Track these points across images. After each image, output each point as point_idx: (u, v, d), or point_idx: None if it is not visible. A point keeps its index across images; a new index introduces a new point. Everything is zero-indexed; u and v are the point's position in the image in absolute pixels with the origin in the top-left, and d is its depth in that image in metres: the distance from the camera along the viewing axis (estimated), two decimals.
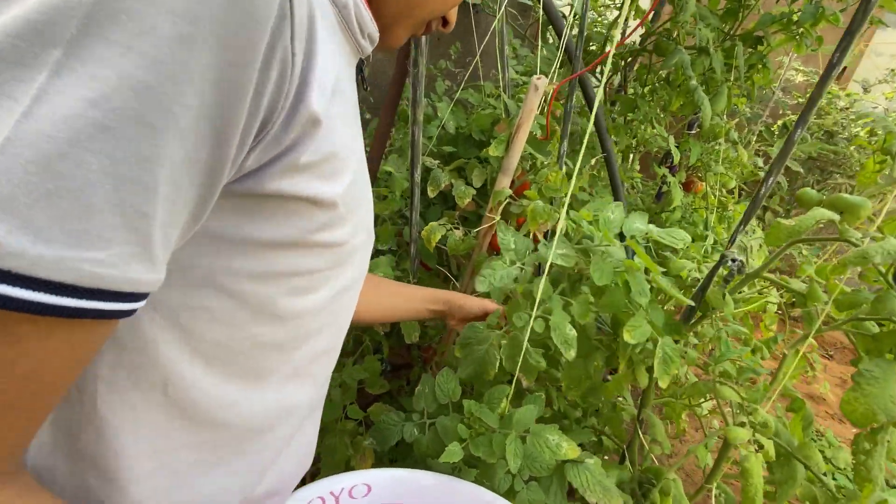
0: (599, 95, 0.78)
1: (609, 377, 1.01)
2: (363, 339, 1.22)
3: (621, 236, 0.80)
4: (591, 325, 0.76)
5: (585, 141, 0.65)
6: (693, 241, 1.62)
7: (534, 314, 0.68)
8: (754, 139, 2.32)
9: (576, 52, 1.05)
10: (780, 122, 2.43)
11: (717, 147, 1.56)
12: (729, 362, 0.99)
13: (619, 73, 1.58)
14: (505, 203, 1.05)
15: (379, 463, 0.94)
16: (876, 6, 0.73)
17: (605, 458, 1.21)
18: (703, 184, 1.67)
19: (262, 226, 0.33)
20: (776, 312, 1.40)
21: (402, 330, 1.13)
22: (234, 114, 0.27)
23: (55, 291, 0.23)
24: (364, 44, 0.41)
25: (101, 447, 0.34)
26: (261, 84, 0.27)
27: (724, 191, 1.66)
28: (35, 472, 0.34)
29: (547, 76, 1.18)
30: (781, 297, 1.30)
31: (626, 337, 0.62)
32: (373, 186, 1.20)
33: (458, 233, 1.06)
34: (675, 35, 1.25)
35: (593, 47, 1.45)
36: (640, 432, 1.10)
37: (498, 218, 1.06)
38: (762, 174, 1.49)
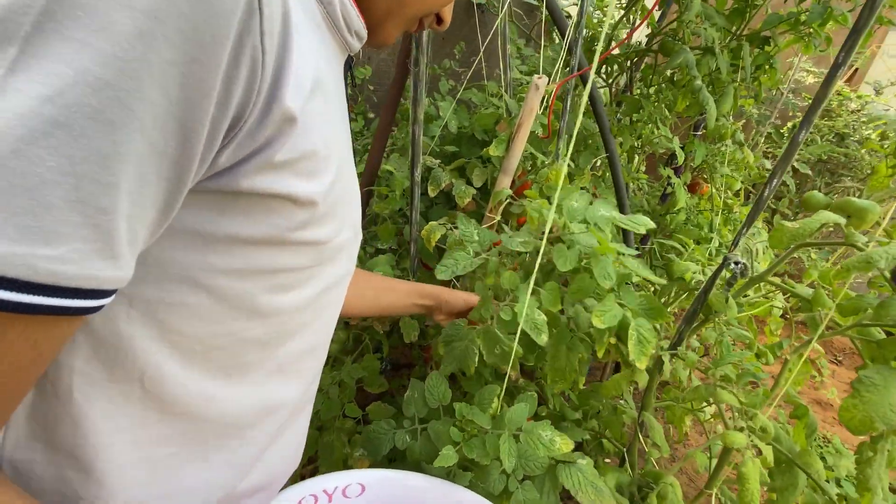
0: (596, 94, 0.78)
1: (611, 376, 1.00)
2: (363, 338, 1.22)
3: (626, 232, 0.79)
4: (583, 317, 0.75)
5: (574, 136, 0.65)
6: (698, 243, 1.60)
7: (501, 304, 0.69)
8: (762, 141, 2.29)
9: (576, 52, 1.05)
10: (789, 125, 2.40)
11: (722, 148, 1.54)
12: (731, 366, 0.98)
13: (624, 74, 1.57)
14: (505, 203, 1.05)
15: (376, 465, 0.94)
16: (886, 7, 0.72)
17: (607, 461, 1.20)
18: (709, 185, 1.65)
19: (238, 223, 0.33)
20: (782, 317, 1.38)
21: (401, 329, 1.13)
22: (200, 110, 0.26)
23: (7, 287, 0.23)
24: (351, 41, 0.41)
25: (78, 439, 0.35)
26: (229, 81, 0.27)
27: (729, 193, 1.64)
28: (12, 465, 0.34)
29: (551, 76, 1.18)
30: (787, 301, 1.28)
31: (596, 322, 0.62)
32: (374, 185, 1.20)
33: (458, 232, 1.06)
34: (680, 35, 1.24)
35: (598, 47, 1.44)
36: (640, 435, 1.09)
37: (498, 218, 1.05)
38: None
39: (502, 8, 1.23)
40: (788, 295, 1.05)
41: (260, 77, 0.28)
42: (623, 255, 0.70)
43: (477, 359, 0.75)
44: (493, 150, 1.02)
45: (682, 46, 1.17)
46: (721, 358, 0.99)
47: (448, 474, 0.67)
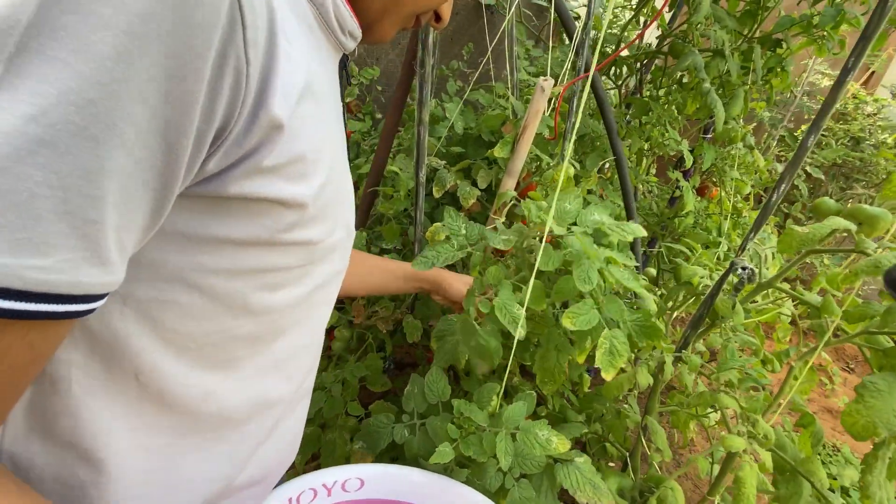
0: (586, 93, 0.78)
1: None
2: (367, 337, 1.23)
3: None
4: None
5: (573, 137, 0.65)
6: (707, 247, 1.59)
7: (481, 297, 0.69)
8: (774, 144, 2.26)
9: (583, 53, 1.04)
10: (803, 128, 2.37)
11: (732, 152, 1.52)
12: (735, 371, 0.97)
13: (634, 76, 1.56)
14: (510, 205, 1.04)
15: (375, 459, 0.95)
16: None
17: (610, 465, 1.19)
18: (718, 189, 1.64)
19: (228, 225, 0.34)
20: (791, 324, 1.36)
21: (405, 328, 1.13)
22: (184, 123, 0.27)
23: (1, 296, 0.24)
24: (345, 41, 0.41)
25: (77, 429, 0.35)
26: (213, 92, 0.27)
27: (739, 197, 1.62)
28: (12, 458, 0.35)
29: (558, 77, 1.17)
30: (796, 307, 1.26)
31: (566, 323, 0.61)
32: (379, 186, 1.21)
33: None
34: (689, 37, 1.22)
35: (608, 49, 1.44)
36: (643, 440, 1.08)
37: (502, 219, 1.05)
38: None
39: (510, 9, 1.23)
40: (797, 302, 1.04)
41: (245, 87, 0.28)
42: (613, 263, 0.69)
43: (468, 354, 0.76)
44: (498, 152, 1.02)
45: (691, 48, 1.16)
46: (723, 363, 0.98)
47: (445, 470, 0.68)
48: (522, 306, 0.66)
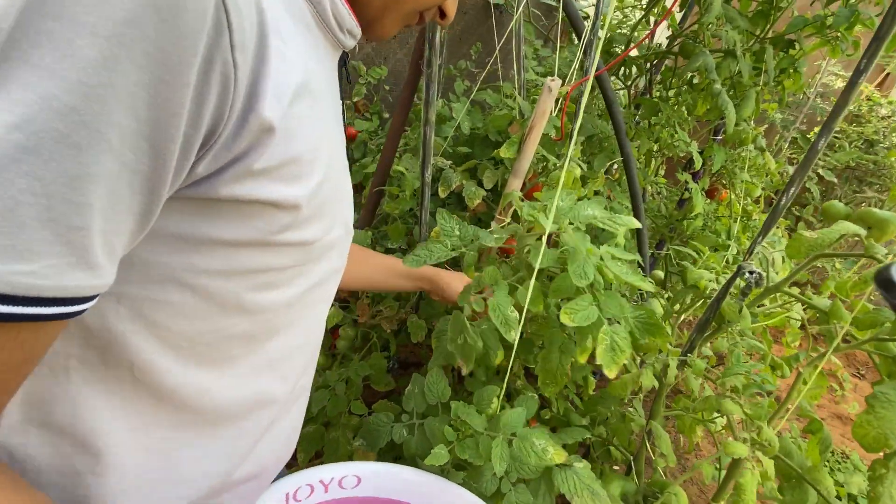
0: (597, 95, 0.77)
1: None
2: (371, 336, 1.23)
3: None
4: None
5: (576, 136, 0.64)
6: (715, 250, 1.57)
7: (475, 296, 0.68)
8: (786, 146, 2.23)
9: (591, 54, 1.04)
10: (815, 130, 2.33)
11: (743, 154, 1.50)
12: (741, 377, 0.95)
13: (644, 76, 1.54)
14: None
15: (380, 460, 0.95)
16: None
17: (615, 468, 1.19)
18: (728, 191, 1.62)
19: (220, 227, 0.34)
20: (800, 328, 1.34)
21: (409, 328, 1.13)
22: (170, 128, 0.27)
23: None
24: (344, 39, 0.41)
25: (77, 419, 0.36)
26: (200, 97, 0.27)
27: (749, 199, 1.60)
28: (8, 450, 0.35)
29: (566, 77, 1.17)
30: (805, 312, 1.24)
31: (564, 319, 0.60)
32: (385, 185, 1.21)
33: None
34: (700, 37, 1.21)
35: (617, 49, 1.42)
36: (647, 444, 1.07)
37: (508, 220, 1.05)
38: None
39: (517, 9, 1.23)
40: (806, 306, 1.03)
41: (233, 91, 0.28)
42: (612, 258, 0.68)
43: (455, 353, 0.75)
44: (504, 152, 1.01)
45: (702, 49, 1.15)
46: (728, 368, 0.97)
47: (441, 472, 0.68)
48: (522, 306, 0.65)
